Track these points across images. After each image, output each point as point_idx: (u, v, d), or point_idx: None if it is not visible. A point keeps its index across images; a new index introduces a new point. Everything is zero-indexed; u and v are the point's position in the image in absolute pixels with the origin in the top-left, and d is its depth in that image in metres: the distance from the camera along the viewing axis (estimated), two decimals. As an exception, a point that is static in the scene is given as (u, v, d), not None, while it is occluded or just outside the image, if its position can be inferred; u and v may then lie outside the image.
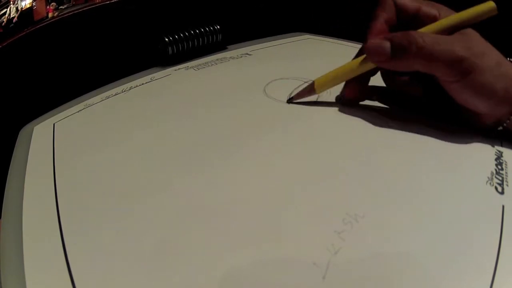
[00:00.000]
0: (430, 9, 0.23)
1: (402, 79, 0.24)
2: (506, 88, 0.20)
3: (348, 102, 0.27)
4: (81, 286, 0.15)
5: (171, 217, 0.18)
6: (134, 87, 0.34)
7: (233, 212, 0.18)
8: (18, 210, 0.19)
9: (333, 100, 0.29)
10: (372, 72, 0.25)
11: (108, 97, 0.32)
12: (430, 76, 0.21)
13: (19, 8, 0.37)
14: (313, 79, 0.27)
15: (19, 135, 0.28)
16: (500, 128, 0.22)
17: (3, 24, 0.36)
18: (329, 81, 0.26)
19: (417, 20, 0.23)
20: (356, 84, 0.26)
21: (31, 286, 0.15)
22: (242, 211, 0.18)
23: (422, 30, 0.22)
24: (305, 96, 0.28)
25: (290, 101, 0.29)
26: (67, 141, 0.26)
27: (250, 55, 0.42)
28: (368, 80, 0.26)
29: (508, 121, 0.21)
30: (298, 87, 0.32)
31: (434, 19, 0.22)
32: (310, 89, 0.27)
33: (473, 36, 0.21)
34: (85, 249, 0.17)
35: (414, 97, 0.25)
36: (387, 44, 0.21)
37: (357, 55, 0.26)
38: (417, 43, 0.20)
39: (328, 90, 0.28)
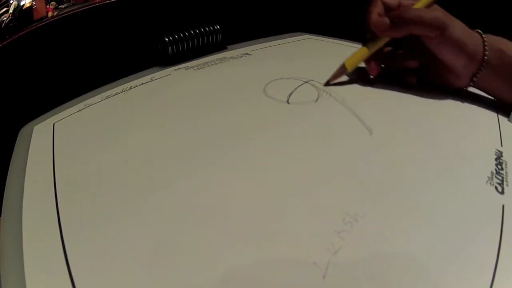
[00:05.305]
0: (408, 1, 0.29)
1: (399, 59, 0.31)
2: (474, 46, 0.27)
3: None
4: (81, 286, 0.15)
5: (171, 217, 0.18)
6: (134, 87, 0.34)
7: (233, 211, 0.18)
8: (18, 210, 0.19)
9: (333, 100, 0.29)
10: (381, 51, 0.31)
11: (108, 97, 0.32)
12: (419, 49, 0.29)
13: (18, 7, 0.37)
14: (313, 79, 0.32)
15: (19, 135, 0.28)
16: (471, 84, 0.28)
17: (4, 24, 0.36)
18: (356, 59, 0.31)
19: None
20: (375, 62, 0.32)
21: (31, 286, 0.15)
22: (242, 211, 0.18)
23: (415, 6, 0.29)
24: (339, 76, 0.32)
25: (327, 84, 0.32)
26: (67, 141, 0.26)
27: (250, 55, 0.42)
28: (381, 59, 0.32)
29: (475, 79, 0.28)
30: (298, 87, 0.32)
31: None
32: (342, 69, 0.32)
33: (442, 9, 0.28)
34: (85, 249, 0.17)
35: (410, 69, 0.31)
36: (386, 19, 0.28)
37: (368, 40, 0.31)
38: (405, 13, 0.28)
39: (328, 91, 0.31)
